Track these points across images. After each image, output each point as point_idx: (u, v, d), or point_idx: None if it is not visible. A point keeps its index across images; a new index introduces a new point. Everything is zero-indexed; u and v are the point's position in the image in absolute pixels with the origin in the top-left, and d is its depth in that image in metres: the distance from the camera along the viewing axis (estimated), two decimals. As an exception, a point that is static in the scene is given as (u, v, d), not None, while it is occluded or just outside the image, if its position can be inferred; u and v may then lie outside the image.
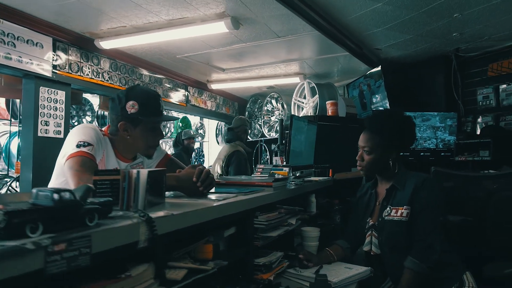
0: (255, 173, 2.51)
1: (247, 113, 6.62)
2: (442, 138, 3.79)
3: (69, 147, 1.39)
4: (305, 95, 5.24)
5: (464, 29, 3.14)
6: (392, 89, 4.10)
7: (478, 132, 3.80)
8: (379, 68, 4.06)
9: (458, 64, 3.93)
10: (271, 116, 6.11)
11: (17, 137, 3.99)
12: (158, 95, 1.56)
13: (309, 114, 5.15)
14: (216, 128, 7.09)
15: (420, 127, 3.77)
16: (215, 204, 1.18)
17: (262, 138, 6.17)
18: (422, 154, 3.81)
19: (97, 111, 4.69)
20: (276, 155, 4.59)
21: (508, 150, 3.42)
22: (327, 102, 3.87)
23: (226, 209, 1.23)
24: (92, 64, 3.69)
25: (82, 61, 3.59)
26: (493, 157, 3.40)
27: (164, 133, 5.44)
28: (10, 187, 3.72)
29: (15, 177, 3.65)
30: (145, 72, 4.43)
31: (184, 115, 6.05)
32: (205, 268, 1.04)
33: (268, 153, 6.04)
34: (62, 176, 1.45)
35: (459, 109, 3.91)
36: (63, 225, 0.65)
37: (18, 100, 3.80)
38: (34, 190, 0.67)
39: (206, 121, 6.98)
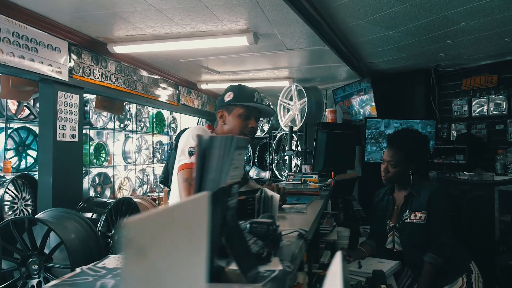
0: (287, 179, 2.79)
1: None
2: (422, 143, 4.29)
3: (182, 155, 1.53)
4: (291, 97, 5.57)
5: (450, 51, 3.62)
6: (379, 97, 4.55)
7: (452, 138, 4.36)
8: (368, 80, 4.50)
9: (437, 77, 4.45)
10: (256, 115, 6.36)
11: (4, 133, 3.88)
12: (253, 89, 1.75)
13: (296, 116, 5.50)
14: (197, 124, 7.23)
15: (405, 133, 4.23)
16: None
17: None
18: (405, 157, 4.30)
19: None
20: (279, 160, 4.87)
21: (480, 155, 4.00)
22: (326, 110, 4.23)
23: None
24: (101, 67, 3.73)
25: (93, 64, 3.62)
26: (468, 161, 3.95)
27: (140, 128, 5.52)
28: (7, 189, 3.65)
29: (8, 178, 3.52)
30: (144, 73, 4.49)
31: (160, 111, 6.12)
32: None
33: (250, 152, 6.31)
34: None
35: (436, 117, 4.44)
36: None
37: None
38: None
39: (177, 115, 7.08)
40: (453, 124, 4.39)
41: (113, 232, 3.24)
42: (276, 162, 5.93)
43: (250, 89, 1.74)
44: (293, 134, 4.97)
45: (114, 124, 5.14)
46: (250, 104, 1.68)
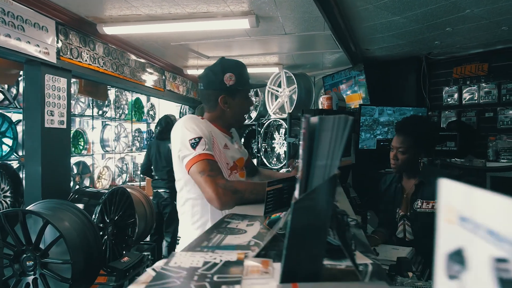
0: (294, 165, 2.72)
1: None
2: (414, 130, 4.35)
3: (183, 150, 1.42)
4: (279, 83, 5.49)
5: (447, 39, 3.64)
6: (372, 85, 4.56)
7: (442, 125, 4.44)
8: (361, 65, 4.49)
9: (428, 65, 4.49)
10: (242, 102, 6.24)
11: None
12: (244, 64, 1.62)
13: (285, 103, 5.44)
14: (180, 112, 7.02)
15: (398, 120, 4.27)
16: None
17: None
18: (397, 144, 4.35)
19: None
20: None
21: (470, 142, 4.09)
22: (322, 97, 4.17)
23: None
24: (89, 50, 3.50)
25: (81, 46, 3.38)
26: (459, 148, 4.04)
27: (119, 115, 5.30)
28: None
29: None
30: (132, 57, 4.28)
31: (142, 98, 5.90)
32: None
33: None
34: (188, 181, 1.50)
35: (426, 105, 4.50)
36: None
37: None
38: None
39: (156, 102, 6.87)
40: (443, 112, 4.46)
41: (108, 223, 3.09)
42: (264, 150, 5.86)
43: (242, 64, 1.61)
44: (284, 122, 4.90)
45: (92, 110, 4.91)
46: (253, 86, 1.64)
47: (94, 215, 2.92)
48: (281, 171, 3.40)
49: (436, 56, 4.37)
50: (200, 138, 1.41)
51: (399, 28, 3.23)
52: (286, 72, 5.30)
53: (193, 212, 1.53)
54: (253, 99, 5.84)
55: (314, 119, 0.68)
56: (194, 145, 1.39)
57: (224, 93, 1.55)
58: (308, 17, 3.05)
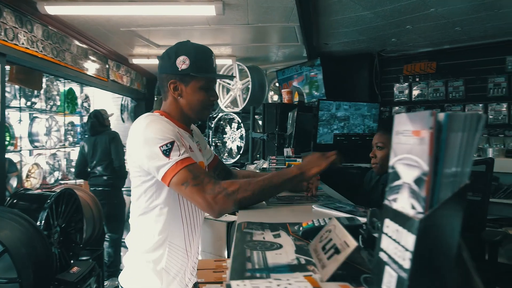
0: (270, 164, 2.61)
1: (156, 89, 6.30)
2: (368, 124, 4.46)
3: (156, 160, 1.17)
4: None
5: (404, 36, 3.75)
6: (328, 79, 4.58)
7: (393, 120, 4.60)
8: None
9: (380, 62, 4.63)
10: (191, 95, 5.95)
11: None
12: (210, 51, 1.41)
13: (238, 97, 5.29)
14: (121, 105, 6.52)
15: (353, 115, 4.35)
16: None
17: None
18: (353, 138, 4.43)
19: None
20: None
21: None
22: (283, 90, 4.09)
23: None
24: (27, 31, 3.03)
25: (17, 26, 2.92)
26: (410, 142, 4.20)
27: (50, 107, 4.79)
28: None
29: None
30: (75, 42, 3.82)
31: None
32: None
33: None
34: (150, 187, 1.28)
35: (378, 100, 4.64)
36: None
37: None
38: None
39: (90, 92, 6.34)
40: (394, 108, 4.63)
41: (54, 230, 2.71)
42: (214, 144, 5.66)
43: (206, 50, 1.37)
44: (237, 116, 4.75)
45: (20, 101, 4.33)
46: (212, 75, 1.38)
47: (39, 222, 2.54)
48: (252, 167, 3.26)
49: (388, 53, 4.51)
50: (172, 142, 1.18)
51: (365, 24, 3.24)
52: (239, 65, 5.15)
53: (153, 221, 1.29)
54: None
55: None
56: (167, 153, 1.17)
57: (174, 77, 1.33)
58: (277, 6, 2.92)
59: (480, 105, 3.96)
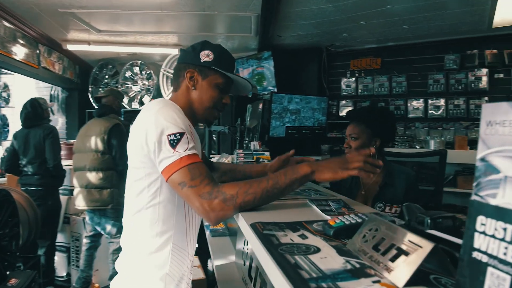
0: (237, 159, 2.51)
1: (91, 78, 5.81)
2: (317, 118, 4.54)
3: (160, 149, 1.05)
4: (177, 67, 5.09)
5: (354, 32, 3.85)
6: (279, 72, 4.57)
7: (340, 114, 4.75)
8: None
9: (328, 56, 4.73)
10: (132, 85, 5.58)
11: None
12: (232, 57, 1.37)
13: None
14: (51, 95, 5.90)
15: (304, 108, 4.39)
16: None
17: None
18: (303, 131, 4.48)
19: None
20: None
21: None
22: (237, 82, 3.98)
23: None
24: None
25: None
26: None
27: None
28: None
29: None
30: (4, 23, 3.33)
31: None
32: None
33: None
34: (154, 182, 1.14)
35: (326, 94, 4.74)
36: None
37: None
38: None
39: (10, 81, 5.68)
40: (341, 101, 4.77)
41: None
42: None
43: (230, 54, 1.36)
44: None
45: None
46: (232, 74, 1.31)
47: (-31, 230, 2.17)
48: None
49: (336, 48, 4.62)
50: (182, 133, 1.07)
51: (323, 17, 3.25)
52: (185, 55, 4.92)
53: (155, 219, 1.15)
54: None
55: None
56: (173, 143, 1.05)
57: (194, 67, 1.26)
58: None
59: (421, 100, 4.23)
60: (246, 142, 2.95)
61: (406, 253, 0.70)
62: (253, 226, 1.02)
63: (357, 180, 2.08)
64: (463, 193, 3.61)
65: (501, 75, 3.82)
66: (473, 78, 3.89)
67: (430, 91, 4.12)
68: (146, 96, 5.53)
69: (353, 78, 4.65)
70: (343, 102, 4.76)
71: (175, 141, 1.05)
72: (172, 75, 5.04)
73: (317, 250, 0.86)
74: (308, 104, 4.46)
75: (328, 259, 0.80)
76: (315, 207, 1.25)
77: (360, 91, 4.61)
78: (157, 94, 5.40)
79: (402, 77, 4.33)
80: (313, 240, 0.93)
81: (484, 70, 3.83)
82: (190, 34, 4.32)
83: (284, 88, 4.56)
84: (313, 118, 4.54)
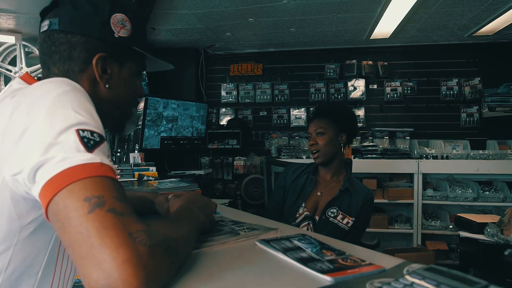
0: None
1: None
2: (197, 127, 4.01)
3: (56, 148, 0.55)
4: (14, 61, 3.94)
5: (239, 31, 3.50)
6: (150, 73, 3.89)
7: (220, 122, 4.33)
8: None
9: (206, 59, 4.27)
10: None
11: None
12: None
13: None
14: None
15: (182, 116, 3.82)
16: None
17: None
18: (181, 142, 3.89)
19: None
20: None
21: (249, 140, 4.17)
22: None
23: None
24: None
25: None
26: (242, 145, 4.02)
27: None
28: None
29: None
30: None
31: None
32: None
33: None
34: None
35: (204, 101, 4.27)
36: None
37: None
38: None
39: None
40: (221, 109, 4.36)
41: None
42: None
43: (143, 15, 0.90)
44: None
45: None
46: (158, 59, 0.93)
47: None
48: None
49: (215, 51, 4.21)
50: (101, 136, 0.61)
51: (211, 7, 2.78)
52: (26, 46, 3.85)
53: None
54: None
55: None
56: (90, 145, 0.58)
57: (105, 48, 0.75)
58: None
59: (303, 108, 4.12)
60: (120, 154, 2.24)
61: None
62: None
63: (312, 178, 1.87)
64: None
65: (375, 86, 3.98)
66: (352, 88, 3.96)
67: (312, 100, 4.05)
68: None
69: (233, 84, 4.31)
70: (223, 110, 4.36)
71: (94, 143, 0.58)
72: (8, 72, 3.88)
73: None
74: (187, 111, 3.90)
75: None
76: (285, 257, 0.75)
77: (241, 98, 4.29)
78: None
79: (284, 84, 4.17)
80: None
81: (362, 81, 3.94)
82: (31, 15, 3.32)
83: (157, 91, 3.91)
84: (192, 127, 4.00)
